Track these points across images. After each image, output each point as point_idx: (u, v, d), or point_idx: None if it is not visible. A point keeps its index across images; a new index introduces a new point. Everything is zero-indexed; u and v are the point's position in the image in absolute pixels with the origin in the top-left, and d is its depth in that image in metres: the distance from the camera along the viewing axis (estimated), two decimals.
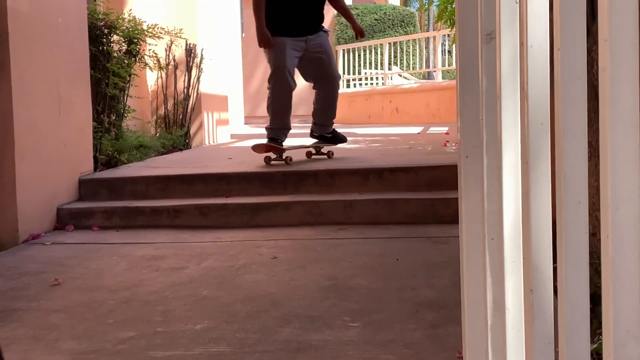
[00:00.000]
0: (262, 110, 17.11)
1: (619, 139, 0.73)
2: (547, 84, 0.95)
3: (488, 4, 1.17)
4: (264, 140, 6.09)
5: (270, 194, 5.24)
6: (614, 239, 0.73)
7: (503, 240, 1.10)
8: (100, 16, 6.32)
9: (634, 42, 0.71)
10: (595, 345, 1.72)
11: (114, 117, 6.46)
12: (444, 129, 9.47)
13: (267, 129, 6.16)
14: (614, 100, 0.73)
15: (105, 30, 6.26)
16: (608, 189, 0.70)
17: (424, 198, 4.93)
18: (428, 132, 9.57)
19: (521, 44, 0.97)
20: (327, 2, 6.30)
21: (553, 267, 0.98)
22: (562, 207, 0.82)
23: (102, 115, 6.18)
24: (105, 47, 6.23)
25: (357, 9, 17.37)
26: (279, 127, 6.14)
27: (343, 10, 6.71)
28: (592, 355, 1.11)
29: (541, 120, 0.94)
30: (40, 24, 4.88)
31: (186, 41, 8.28)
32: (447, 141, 7.45)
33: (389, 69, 15.10)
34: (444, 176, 5.11)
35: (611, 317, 0.76)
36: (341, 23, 17.08)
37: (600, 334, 2.05)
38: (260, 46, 5.99)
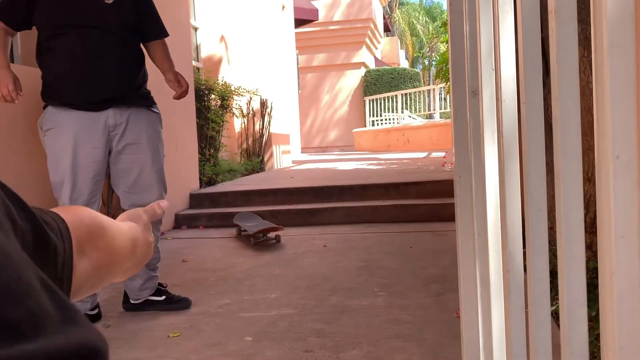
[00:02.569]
0: (313, 143, 17.12)
1: (566, 162, 0.73)
2: (515, 126, 0.95)
3: (472, 69, 1.18)
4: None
5: (320, 202, 5.26)
6: (565, 235, 0.73)
7: (487, 235, 1.10)
8: (202, 81, 6.44)
9: (575, 97, 0.71)
10: (554, 307, 1.69)
11: (212, 151, 6.55)
12: (442, 154, 9.39)
13: None
14: (564, 136, 0.73)
15: (206, 92, 6.37)
16: (561, 200, 0.70)
17: (429, 203, 4.89)
18: (431, 156, 9.49)
19: (497, 99, 0.98)
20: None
21: (523, 253, 0.98)
22: (529, 212, 0.82)
23: (204, 149, 6.28)
24: (206, 103, 6.34)
25: (378, 70, 17.34)
26: None
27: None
28: (552, 314, 1.10)
29: (512, 152, 0.94)
30: (162, 90, 4.99)
31: (260, 97, 8.37)
32: (444, 162, 7.38)
33: (402, 112, 15.02)
34: (443, 187, 5.07)
35: (565, 286, 0.76)
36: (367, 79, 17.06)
37: (557, 299, 2.02)
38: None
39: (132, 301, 2.79)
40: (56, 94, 2.54)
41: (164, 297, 2.81)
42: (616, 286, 0.52)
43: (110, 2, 2.52)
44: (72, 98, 2.51)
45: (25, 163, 3.97)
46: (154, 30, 2.77)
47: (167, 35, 2.89)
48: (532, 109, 0.79)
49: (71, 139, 2.49)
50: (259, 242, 4.17)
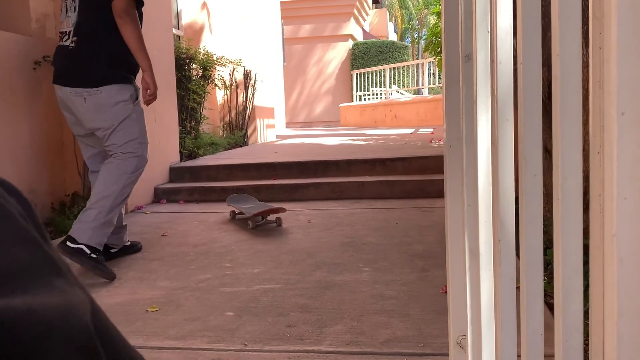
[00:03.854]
0: (298, 118, 17.07)
1: (565, 126, 0.71)
2: (511, 91, 0.93)
3: (466, 33, 1.15)
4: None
5: (305, 177, 5.23)
6: (563, 202, 0.71)
7: (478, 205, 1.09)
8: (183, 50, 6.33)
9: (577, 56, 0.69)
10: (544, 283, 1.70)
11: (193, 123, 6.48)
12: (430, 130, 9.39)
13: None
14: (563, 101, 0.71)
15: (187, 61, 6.27)
16: (559, 165, 0.68)
17: (415, 180, 4.89)
18: (418, 132, 9.49)
19: (492, 61, 0.95)
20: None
21: (515, 222, 0.97)
22: (523, 178, 0.80)
23: (185, 122, 6.20)
24: (187, 73, 6.24)
25: (366, 43, 17.21)
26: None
27: None
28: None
29: (507, 117, 0.92)
30: None
31: (244, 68, 8.27)
32: (432, 139, 7.37)
33: (390, 87, 14.97)
34: (430, 164, 5.08)
35: (560, 258, 0.75)
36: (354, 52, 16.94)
37: (547, 276, 2.02)
38: (149, 101, 3.08)
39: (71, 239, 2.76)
40: (133, 70, 2.96)
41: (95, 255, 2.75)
42: (617, 249, 0.51)
43: None
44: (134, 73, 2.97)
45: (4, 130, 3.89)
46: None
47: None
48: (530, 70, 0.77)
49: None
50: (259, 225, 3.87)
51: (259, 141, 9.06)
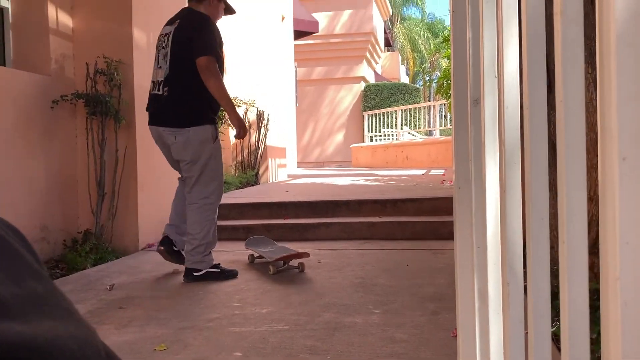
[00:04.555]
0: (310, 158, 17.17)
1: (571, 178, 0.72)
2: (518, 134, 0.95)
3: (475, 77, 1.18)
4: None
5: (316, 216, 5.24)
6: (568, 245, 0.72)
7: (486, 248, 1.09)
8: None
9: (581, 101, 0.70)
10: (554, 329, 1.68)
11: None
12: (441, 171, 9.40)
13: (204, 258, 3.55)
14: (568, 145, 0.72)
15: None
16: (564, 207, 0.69)
17: (427, 221, 4.88)
18: (430, 173, 9.50)
19: (499, 106, 0.97)
20: None
21: (524, 265, 0.97)
22: (530, 220, 0.81)
23: None
24: None
25: (378, 85, 17.42)
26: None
27: None
28: (552, 337, 1.09)
29: (514, 160, 0.93)
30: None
31: (257, 109, 8.39)
32: (443, 180, 7.38)
33: (401, 128, 15.07)
34: (441, 205, 5.07)
35: (567, 305, 0.75)
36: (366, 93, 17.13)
37: (558, 320, 2.00)
38: (242, 136, 3.57)
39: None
40: (214, 112, 3.51)
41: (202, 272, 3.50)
42: (620, 293, 0.51)
43: None
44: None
45: (13, 165, 3.95)
46: None
47: None
48: (536, 114, 0.78)
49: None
50: (280, 270, 3.68)
51: (271, 180, 9.11)
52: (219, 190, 3.57)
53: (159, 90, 3.46)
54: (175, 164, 3.65)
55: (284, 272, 3.72)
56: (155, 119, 3.50)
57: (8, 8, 4.36)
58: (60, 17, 4.48)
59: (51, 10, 4.38)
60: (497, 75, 1.04)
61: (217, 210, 3.60)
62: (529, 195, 0.79)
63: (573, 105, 0.66)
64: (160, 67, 3.47)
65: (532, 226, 0.79)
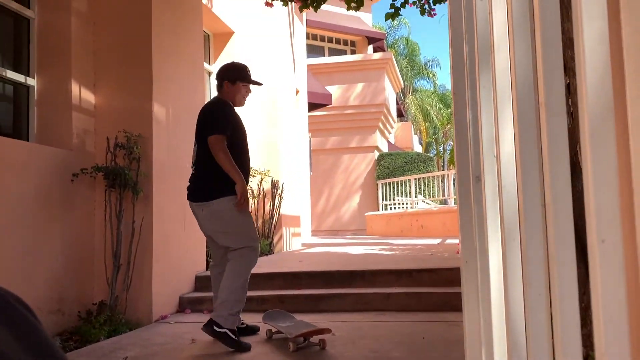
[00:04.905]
0: (324, 226, 17.17)
1: (561, 256, 0.76)
2: (516, 211, 0.99)
3: (476, 157, 1.23)
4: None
5: (330, 287, 5.22)
6: (562, 325, 0.75)
7: (491, 322, 1.11)
8: None
9: (567, 184, 0.75)
10: None
11: None
12: (457, 241, 9.36)
13: (229, 316, 3.66)
14: (556, 227, 0.76)
15: None
16: (556, 282, 0.73)
17: (442, 292, 4.84)
18: (445, 243, 9.46)
19: (498, 185, 1.02)
20: None
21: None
22: (528, 298, 0.84)
23: None
24: None
25: (391, 154, 17.62)
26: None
27: None
28: None
29: (513, 237, 0.97)
30: (174, 167, 5.12)
31: (272, 178, 8.52)
32: (459, 250, 7.35)
33: (416, 196, 15.12)
34: (457, 275, 5.04)
35: None
36: (380, 163, 17.31)
37: None
38: (241, 205, 3.71)
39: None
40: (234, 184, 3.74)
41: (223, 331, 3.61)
42: None
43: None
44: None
45: (32, 236, 4.04)
46: None
47: None
48: (529, 194, 0.83)
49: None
50: (300, 348, 3.56)
51: (285, 249, 9.11)
52: (250, 254, 3.77)
53: (193, 169, 3.95)
54: (208, 236, 3.98)
55: (304, 348, 3.62)
56: (189, 195, 3.92)
57: (34, 86, 4.57)
58: (83, 94, 4.68)
59: (75, 87, 4.60)
60: (495, 155, 1.09)
61: (251, 268, 3.80)
62: (526, 273, 0.83)
63: (560, 190, 0.70)
64: (194, 149, 3.96)
65: (530, 302, 0.82)
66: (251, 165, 7.54)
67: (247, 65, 4.12)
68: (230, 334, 3.60)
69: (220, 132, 3.70)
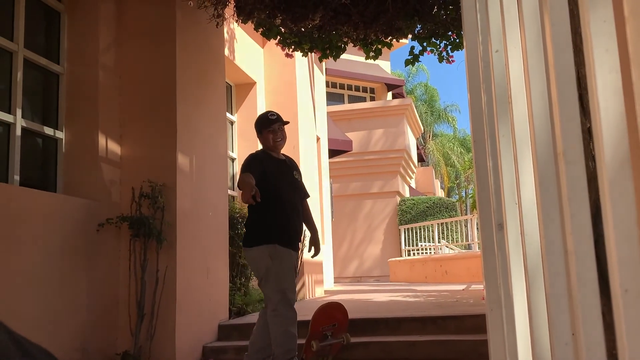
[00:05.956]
0: (347, 272, 17.04)
1: (586, 311, 0.75)
2: (539, 260, 0.99)
3: (497, 205, 1.24)
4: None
5: (353, 335, 5.13)
6: None
7: None
8: (237, 210, 6.65)
9: (587, 227, 0.76)
10: None
11: (243, 279, 6.59)
12: (482, 286, 9.19)
13: None
14: (579, 275, 0.76)
15: (240, 220, 6.55)
16: (581, 333, 0.72)
17: (469, 339, 4.73)
18: (470, 288, 9.30)
19: (521, 233, 1.03)
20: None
21: None
22: (555, 347, 0.84)
23: (235, 278, 6.32)
24: (239, 231, 6.48)
25: (413, 199, 17.56)
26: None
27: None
28: None
29: (538, 285, 0.97)
30: (197, 216, 5.17)
31: None
32: (484, 296, 7.22)
33: (439, 242, 14.97)
34: (483, 322, 4.92)
35: None
36: (402, 208, 17.24)
37: None
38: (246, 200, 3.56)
39: None
40: (271, 234, 3.87)
41: None
42: None
43: (297, 177, 4.18)
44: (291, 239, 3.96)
45: (58, 285, 4.08)
46: (305, 192, 4.33)
47: (309, 196, 4.44)
48: (552, 240, 0.84)
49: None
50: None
51: (307, 297, 9.03)
52: (284, 302, 3.81)
53: None
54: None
55: None
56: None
57: (62, 138, 4.71)
58: (109, 145, 4.81)
59: (101, 139, 4.72)
60: (516, 203, 1.10)
61: (293, 318, 3.87)
62: (552, 323, 0.82)
63: (581, 239, 0.71)
64: None
65: (557, 353, 0.82)
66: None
67: (272, 110, 4.25)
68: None
69: (243, 171, 3.83)
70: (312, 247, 4.28)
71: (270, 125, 4.07)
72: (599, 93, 0.62)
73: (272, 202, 3.84)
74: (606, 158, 0.58)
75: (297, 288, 8.61)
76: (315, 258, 9.61)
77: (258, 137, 4.17)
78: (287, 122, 4.22)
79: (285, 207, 3.94)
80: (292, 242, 3.98)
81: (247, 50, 8.09)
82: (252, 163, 3.90)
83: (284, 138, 4.13)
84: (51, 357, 0.41)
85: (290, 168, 4.18)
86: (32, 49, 4.47)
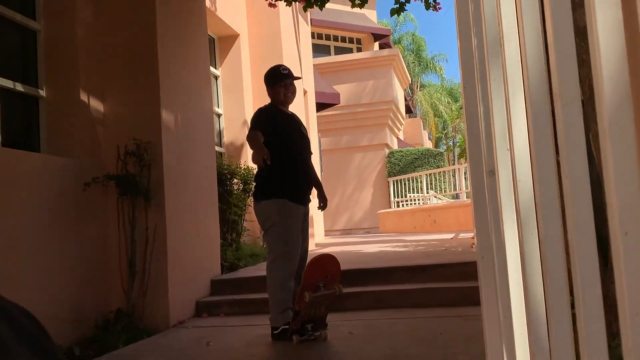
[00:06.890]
0: (337, 225, 17.15)
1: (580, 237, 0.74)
2: (532, 205, 0.98)
3: (488, 151, 1.22)
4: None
5: (345, 286, 5.18)
6: (584, 317, 0.73)
7: (512, 317, 1.10)
8: (225, 166, 6.61)
9: (585, 174, 0.74)
10: None
11: (234, 235, 6.61)
12: (470, 234, 9.30)
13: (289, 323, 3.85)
14: (577, 221, 0.74)
15: (229, 176, 6.52)
16: (577, 275, 0.71)
17: (458, 286, 4.80)
18: (459, 237, 9.41)
19: (513, 178, 1.00)
20: None
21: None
22: (549, 294, 0.83)
23: (226, 234, 6.33)
24: (228, 187, 6.47)
25: (401, 151, 17.57)
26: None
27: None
28: None
29: (531, 231, 0.95)
30: (185, 174, 5.13)
31: None
32: (473, 244, 7.30)
33: (427, 192, 15.07)
34: (472, 270, 4.98)
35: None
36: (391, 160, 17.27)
37: None
38: (257, 162, 3.65)
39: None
40: (286, 189, 3.87)
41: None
42: None
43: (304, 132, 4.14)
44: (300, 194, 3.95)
45: (48, 247, 4.06)
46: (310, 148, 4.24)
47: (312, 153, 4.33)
48: (545, 188, 0.82)
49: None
50: (303, 340, 3.73)
51: None
52: (284, 255, 3.86)
53: None
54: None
55: (320, 342, 3.69)
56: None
57: (43, 96, 4.60)
58: (92, 104, 4.71)
59: (83, 97, 4.62)
60: (509, 148, 1.08)
61: (290, 272, 3.87)
62: (546, 268, 0.81)
63: (578, 179, 0.69)
64: None
65: (551, 299, 0.81)
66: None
67: (283, 65, 4.22)
68: (285, 326, 3.80)
69: (251, 129, 3.84)
70: (320, 202, 4.33)
71: (283, 80, 4.06)
72: (599, 28, 0.58)
73: (282, 156, 3.84)
74: (606, 98, 0.55)
75: None
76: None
77: (268, 90, 4.12)
78: (299, 77, 4.23)
79: (296, 161, 3.94)
80: (302, 197, 3.98)
81: (229, 0, 7.88)
82: (261, 118, 3.89)
83: (294, 92, 4.13)
84: (31, 318, 0.38)
85: (297, 124, 4.16)
86: (7, 5, 4.31)
